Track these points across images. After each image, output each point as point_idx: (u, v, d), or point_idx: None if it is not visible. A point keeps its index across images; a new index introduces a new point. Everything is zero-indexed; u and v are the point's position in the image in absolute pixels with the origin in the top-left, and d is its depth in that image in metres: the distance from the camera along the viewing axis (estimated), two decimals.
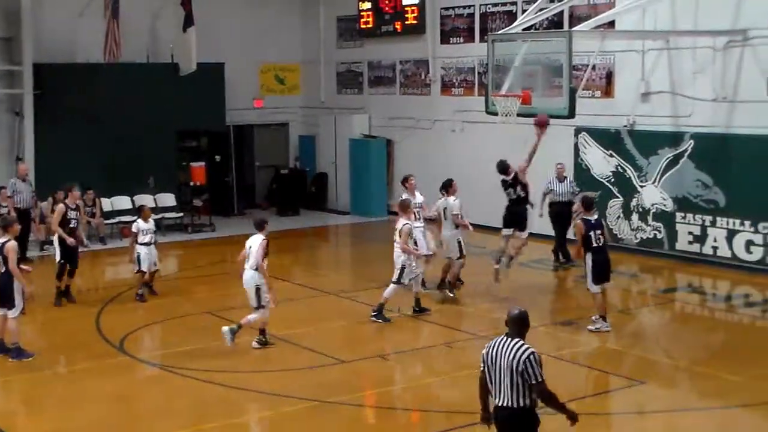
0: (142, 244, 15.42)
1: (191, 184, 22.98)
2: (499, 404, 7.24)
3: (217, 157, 24.54)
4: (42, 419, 10.57)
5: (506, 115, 15.47)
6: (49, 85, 22.18)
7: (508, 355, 7.14)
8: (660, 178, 17.97)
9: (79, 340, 13.44)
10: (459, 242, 14.95)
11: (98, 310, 14.86)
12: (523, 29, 17.04)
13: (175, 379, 11.65)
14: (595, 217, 13.35)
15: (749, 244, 16.73)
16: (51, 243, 19.34)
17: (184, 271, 18.88)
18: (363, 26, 24.53)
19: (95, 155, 22.04)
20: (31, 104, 22.12)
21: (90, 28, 22.99)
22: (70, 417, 10.47)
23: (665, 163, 17.85)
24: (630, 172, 18.45)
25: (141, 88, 22.96)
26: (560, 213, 17.59)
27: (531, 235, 15.85)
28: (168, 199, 22.60)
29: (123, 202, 22.14)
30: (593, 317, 13.35)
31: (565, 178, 17.94)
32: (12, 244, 12.31)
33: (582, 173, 19.15)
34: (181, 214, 22.59)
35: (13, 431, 9.90)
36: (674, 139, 17.77)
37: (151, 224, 15.75)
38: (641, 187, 18.31)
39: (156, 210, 21.81)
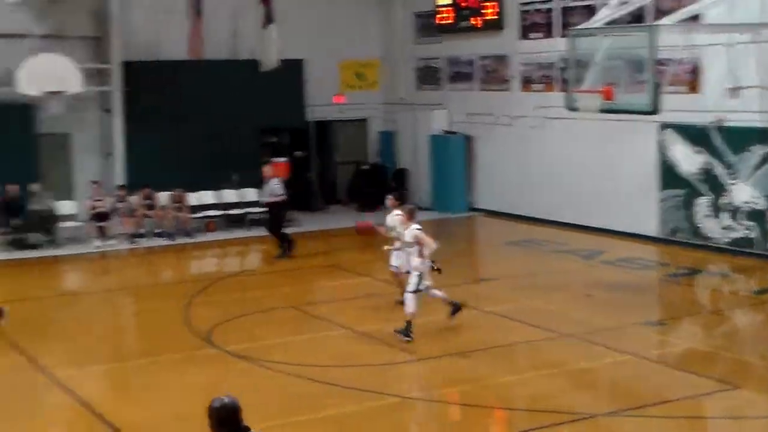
0: None
1: None
2: None
3: (298, 153, 24.83)
4: (133, 407, 10.87)
5: (587, 112, 15.31)
6: (137, 83, 22.70)
7: None
8: (752, 176, 17.61)
9: (168, 331, 13.76)
10: None
11: (186, 303, 15.18)
12: (605, 23, 16.87)
13: (261, 371, 11.86)
14: None
15: None
16: (141, 236, 19.96)
17: (268, 266, 19.14)
18: (441, 22, 24.56)
19: (181, 151, 22.51)
20: (120, 101, 22.68)
21: (175, 26, 23.50)
22: (159, 406, 10.73)
23: (757, 160, 17.46)
24: (719, 169, 18.10)
25: (224, 85, 23.37)
26: None
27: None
28: (252, 194, 22.95)
29: (208, 197, 22.58)
30: None
31: None
32: None
33: (668, 170, 18.89)
34: (265, 209, 22.90)
35: (106, 416, 10.18)
36: (766, 135, 17.36)
37: None
38: (731, 184, 17.95)
39: (240, 205, 22.25)
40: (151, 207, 21.26)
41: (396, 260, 14.18)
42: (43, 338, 13.71)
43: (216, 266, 18.85)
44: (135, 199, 20.96)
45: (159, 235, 21.03)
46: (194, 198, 22.16)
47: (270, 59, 22.99)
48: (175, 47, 23.49)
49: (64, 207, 20.99)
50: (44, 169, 21.62)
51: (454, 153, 24.17)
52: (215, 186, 22.67)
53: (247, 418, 10.24)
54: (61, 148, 22.66)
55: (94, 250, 20.09)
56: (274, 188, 19.29)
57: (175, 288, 16.66)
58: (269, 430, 9.85)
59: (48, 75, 20.32)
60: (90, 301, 16.52)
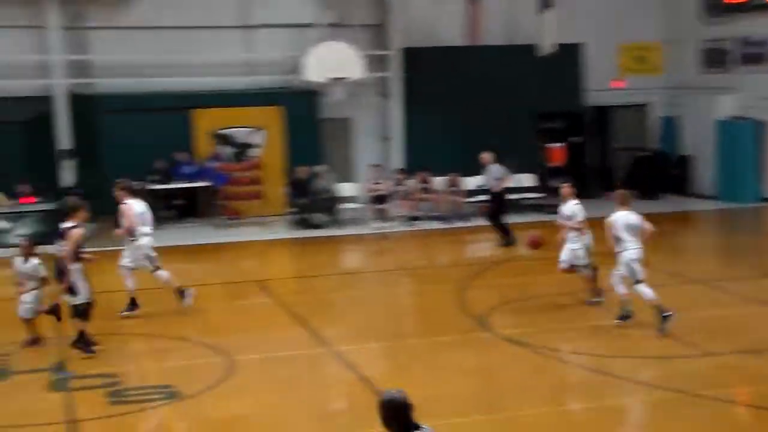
0: None
1: (549, 165, 23.01)
2: None
3: (575, 139, 24.37)
4: (409, 385, 11.01)
5: None
6: (415, 69, 23.17)
7: None
8: None
9: (443, 313, 13.91)
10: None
11: (461, 286, 15.28)
12: None
13: (535, 357, 11.71)
14: None
15: None
16: (417, 218, 20.41)
17: (543, 252, 18.87)
18: (731, 1, 23.17)
19: (456, 136, 22.76)
20: (398, 87, 23.26)
21: (452, 11, 23.73)
22: (434, 386, 10.83)
23: None
24: None
25: (500, 70, 23.35)
26: None
27: None
28: (527, 179, 22.79)
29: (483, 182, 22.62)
30: None
31: None
32: (77, 231, 11.68)
33: None
34: (543, 195, 22.69)
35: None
36: None
37: None
38: None
39: (516, 190, 22.15)
40: (427, 190, 21.65)
41: (566, 254, 13.76)
42: (325, 314, 14.30)
43: (490, 251, 18.84)
44: (412, 183, 21.43)
45: (435, 218, 21.38)
46: (469, 182, 22.30)
47: (547, 44, 22.70)
48: (452, 33, 23.77)
49: (346, 189, 21.83)
50: (327, 152, 22.58)
51: (744, 139, 22.83)
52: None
53: (519, 403, 10.26)
54: (343, 132, 23.57)
55: (374, 231, 20.74)
56: (496, 174, 18.90)
57: (450, 271, 16.81)
58: (540, 416, 9.79)
59: (332, 62, 21.20)
60: (368, 280, 17.05)
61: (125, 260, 13.90)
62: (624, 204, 12.51)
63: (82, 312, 11.74)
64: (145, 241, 13.82)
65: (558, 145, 23.15)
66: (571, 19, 23.45)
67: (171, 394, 10.43)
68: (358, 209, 21.70)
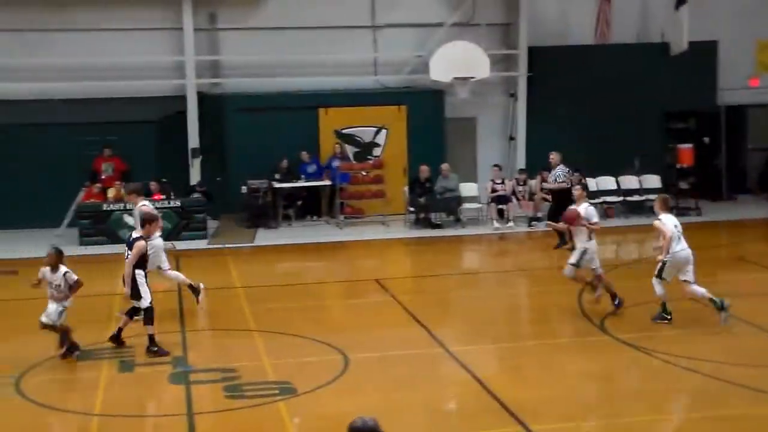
0: None
1: (677, 166, 22.41)
2: None
3: (706, 139, 23.66)
4: (523, 387, 10.97)
5: None
6: (541, 68, 22.94)
7: None
8: None
9: (561, 315, 13.74)
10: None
11: (581, 288, 15.04)
12: None
13: (653, 362, 11.43)
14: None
15: None
16: (538, 219, 20.24)
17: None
18: None
19: (581, 136, 22.43)
20: (524, 86, 23.08)
21: (581, 10, 23.39)
22: (549, 389, 10.71)
23: None
24: None
25: (629, 69, 22.90)
26: None
27: None
28: (653, 180, 22.27)
29: (607, 182, 22.25)
30: None
31: None
32: (141, 243, 12.03)
33: None
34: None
35: (498, 394, 10.35)
36: None
37: None
38: None
39: (640, 191, 21.71)
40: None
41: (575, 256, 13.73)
42: (441, 314, 14.32)
43: (613, 253, 18.51)
44: (534, 183, 21.21)
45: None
46: (593, 183, 21.93)
47: (680, 42, 22.11)
48: (581, 32, 23.43)
49: (467, 189, 21.77)
50: (451, 152, 22.58)
51: None
52: (615, 171, 22.26)
53: (635, 408, 10.02)
54: (466, 131, 23.52)
55: (494, 232, 20.63)
56: (559, 175, 18.71)
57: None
58: (656, 423, 9.57)
59: (458, 62, 21.16)
60: (486, 281, 16.97)
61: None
62: (667, 208, 13.00)
63: (148, 317, 12.06)
64: (157, 241, 13.84)
65: (687, 145, 22.49)
66: (704, 16, 22.80)
67: (287, 390, 10.62)
68: (479, 209, 21.61)
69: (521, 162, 23.04)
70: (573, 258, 13.70)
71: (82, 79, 21.65)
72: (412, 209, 21.19)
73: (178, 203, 20.22)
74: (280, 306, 14.35)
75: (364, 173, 22.01)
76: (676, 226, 12.66)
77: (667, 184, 22.36)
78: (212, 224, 21.17)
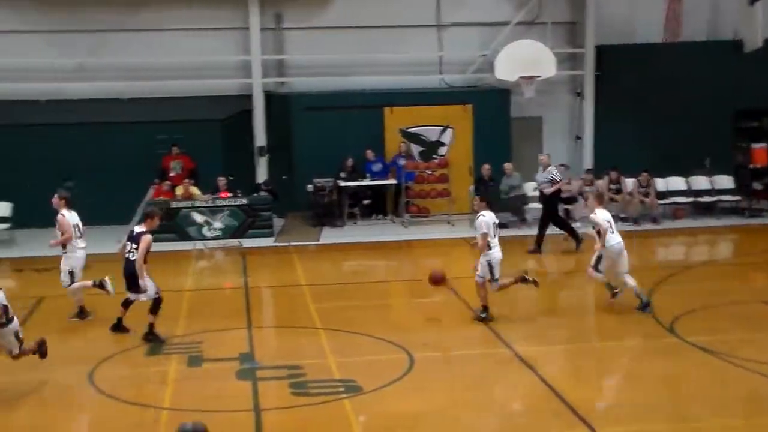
0: None
1: (750, 166, 21.96)
2: None
3: None
4: (591, 389, 10.84)
5: None
6: (608, 66, 22.67)
7: None
8: None
9: (630, 317, 13.53)
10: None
11: (650, 290, 14.82)
12: None
13: (726, 367, 11.21)
14: None
15: None
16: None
17: (739, 257, 18.12)
18: None
19: (650, 135, 22.16)
20: (591, 85, 22.85)
21: (650, 7, 23.07)
22: (617, 391, 10.61)
23: None
24: None
25: (700, 67, 22.51)
26: None
27: None
28: (725, 181, 21.88)
29: (676, 182, 21.91)
30: None
31: None
32: (147, 237, 12.50)
33: None
34: (738, 198, 21.70)
35: (565, 396, 10.24)
36: None
37: None
38: None
39: (711, 192, 21.34)
40: (617, 191, 21.11)
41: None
42: (507, 314, 14.17)
43: (682, 255, 18.25)
44: (601, 183, 20.96)
45: (624, 219, 20.83)
46: (662, 183, 21.61)
47: (755, 38, 21.66)
48: (650, 29, 23.10)
49: (533, 188, 21.56)
50: (516, 151, 22.42)
51: None
52: (685, 172, 21.90)
53: (705, 413, 9.83)
54: (532, 130, 23.34)
55: (559, 232, 20.39)
56: (553, 176, 18.35)
57: (639, 274, 16.27)
58: (727, 428, 9.39)
59: (524, 60, 20.99)
60: (553, 281, 16.81)
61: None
62: (600, 203, 13.89)
63: (156, 306, 12.61)
64: (80, 253, 13.83)
65: (761, 145, 22.02)
66: None
67: (352, 389, 10.64)
68: None
69: (588, 162, 22.80)
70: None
71: (151, 78, 21.99)
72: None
73: (244, 201, 20.41)
74: (345, 304, 14.39)
75: (429, 172, 21.98)
76: (608, 221, 13.49)
77: (739, 185, 21.96)
78: (278, 222, 21.32)
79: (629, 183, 21.23)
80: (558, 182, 18.47)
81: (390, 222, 21.79)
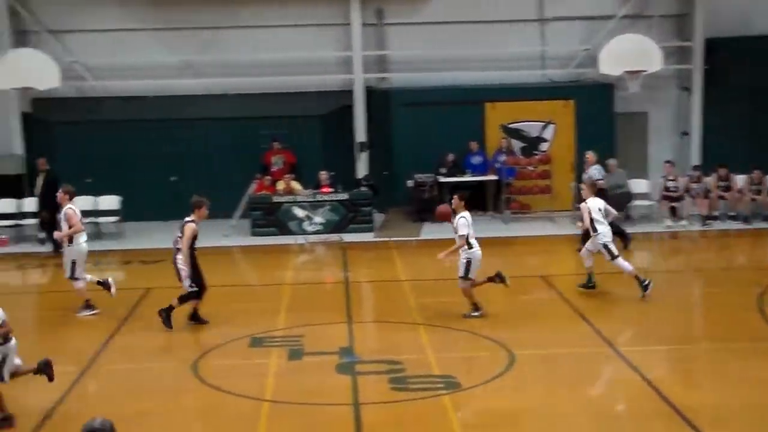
0: None
1: None
2: None
3: None
4: (694, 392, 10.55)
5: None
6: (719, 60, 22.04)
7: None
8: None
9: (738, 318, 13.15)
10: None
11: (761, 291, 14.36)
12: None
13: None
14: None
15: None
16: (714, 218, 19.41)
17: None
18: None
19: (762, 132, 21.51)
20: (700, 80, 22.25)
21: None
22: (721, 395, 10.27)
23: None
24: None
25: None
26: None
27: None
28: None
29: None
30: None
31: None
32: (191, 225, 12.67)
33: None
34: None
35: (669, 397, 9.99)
36: None
37: None
38: None
39: None
40: (727, 189, 20.53)
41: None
42: (609, 312, 13.97)
43: None
44: (710, 180, 20.42)
45: (733, 218, 20.28)
46: None
47: None
48: (765, 21, 22.31)
49: (638, 185, 21.18)
50: (621, 148, 22.00)
51: None
52: None
53: None
54: (637, 126, 22.87)
55: (665, 230, 19.98)
56: (595, 175, 18.05)
57: (749, 274, 15.86)
58: None
59: (629, 55, 20.55)
60: (657, 280, 16.38)
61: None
62: (593, 193, 14.52)
63: (187, 296, 12.95)
64: (83, 246, 13.95)
65: None
66: None
67: (451, 385, 10.59)
68: (651, 206, 20.97)
69: (695, 159, 22.21)
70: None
71: (253, 75, 22.29)
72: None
73: (345, 196, 20.53)
74: (444, 300, 14.33)
75: (530, 168, 21.74)
76: (600, 209, 14.20)
77: None
78: (378, 217, 21.37)
79: (739, 180, 20.61)
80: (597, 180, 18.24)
81: (490, 218, 21.61)
